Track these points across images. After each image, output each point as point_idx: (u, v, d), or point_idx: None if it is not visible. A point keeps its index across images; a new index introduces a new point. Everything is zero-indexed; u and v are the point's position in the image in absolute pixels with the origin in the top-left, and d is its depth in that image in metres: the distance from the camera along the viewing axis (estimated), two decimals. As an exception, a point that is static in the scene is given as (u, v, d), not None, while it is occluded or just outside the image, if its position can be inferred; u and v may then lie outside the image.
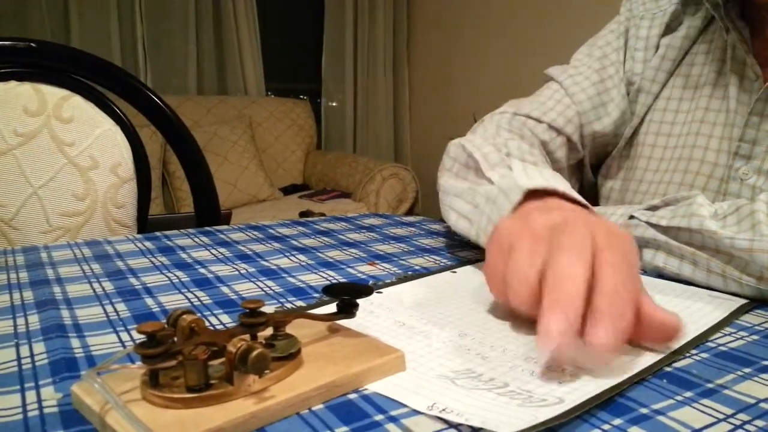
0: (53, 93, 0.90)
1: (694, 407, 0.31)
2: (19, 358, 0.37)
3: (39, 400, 0.32)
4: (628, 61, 0.73)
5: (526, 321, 0.42)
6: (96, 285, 0.51)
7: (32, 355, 0.37)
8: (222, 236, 0.69)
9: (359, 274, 0.55)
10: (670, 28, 0.71)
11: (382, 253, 0.62)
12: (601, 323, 0.33)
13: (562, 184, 0.49)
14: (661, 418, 0.30)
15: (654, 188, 0.67)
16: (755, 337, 0.41)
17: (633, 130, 0.72)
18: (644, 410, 0.31)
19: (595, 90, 0.72)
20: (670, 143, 0.68)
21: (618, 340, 0.33)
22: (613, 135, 0.73)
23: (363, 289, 0.39)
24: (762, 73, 0.61)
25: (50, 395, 0.32)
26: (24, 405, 0.31)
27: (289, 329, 0.34)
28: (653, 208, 0.56)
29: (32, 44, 0.90)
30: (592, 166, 0.77)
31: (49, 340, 0.39)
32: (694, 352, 0.38)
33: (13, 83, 0.88)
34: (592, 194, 0.78)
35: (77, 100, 0.91)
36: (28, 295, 0.48)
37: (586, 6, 2.54)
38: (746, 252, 0.46)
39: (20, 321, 0.43)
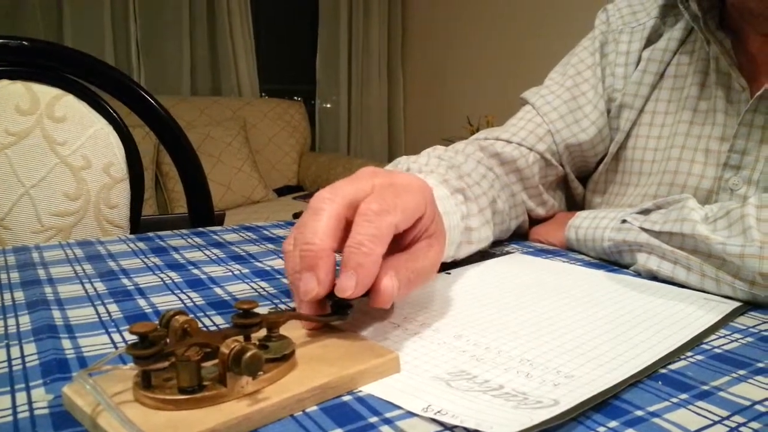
0: (45, 92, 0.89)
1: (689, 409, 0.31)
2: (9, 359, 0.36)
3: (29, 402, 0.31)
4: (608, 78, 0.72)
5: (520, 323, 0.42)
6: (88, 285, 0.51)
7: (23, 356, 0.37)
8: (215, 237, 0.69)
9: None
10: (650, 42, 0.71)
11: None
12: (341, 273, 0.35)
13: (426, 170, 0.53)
14: (656, 420, 0.30)
15: (640, 201, 0.67)
16: (750, 339, 0.41)
17: (618, 145, 0.71)
18: (639, 412, 0.31)
19: (567, 108, 0.71)
20: (657, 157, 0.68)
21: (358, 287, 0.35)
22: (591, 151, 0.72)
23: None
24: (747, 83, 0.61)
25: (41, 397, 0.32)
26: (14, 407, 0.31)
27: (283, 330, 0.34)
28: (645, 212, 0.57)
29: (24, 42, 0.89)
30: (579, 180, 0.76)
31: (40, 341, 0.39)
32: (689, 354, 0.38)
33: (5, 82, 0.88)
34: (583, 208, 0.77)
35: (70, 99, 0.91)
36: (19, 295, 0.48)
37: (579, 8, 2.55)
38: (737, 257, 0.46)
39: (11, 321, 0.42)
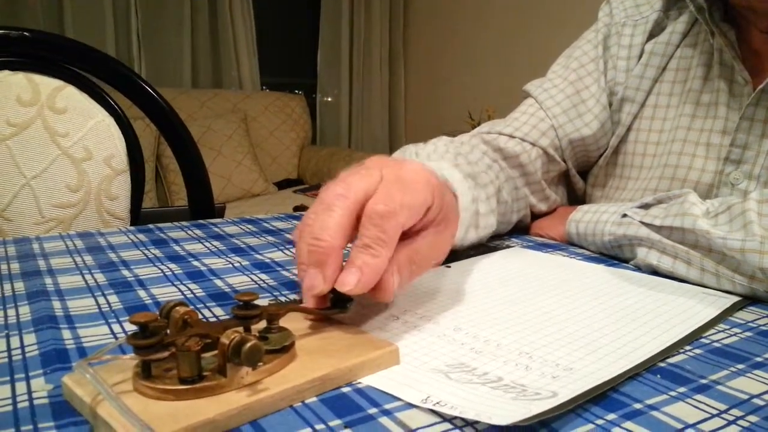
0: (47, 83, 0.89)
1: (687, 403, 0.31)
2: (9, 349, 0.36)
3: (29, 392, 0.31)
4: (609, 71, 0.72)
5: (520, 316, 0.42)
6: (88, 276, 0.51)
7: (23, 346, 0.37)
8: (216, 229, 0.69)
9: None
10: (653, 35, 0.70)
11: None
12: (345, 268, 0.36)
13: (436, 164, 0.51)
14: (654, 413, 0.30)
15: (641, 195, 0.67)
16: (749, 333, 0.41)
17: (619, 138, 0.71)
18: (638, 405, 0.31)
19: (570, 102, 0.71)
20: (658, 151, 0.68)
21: (360, 285, 0.35)
22: (594, 145, 0.72)
23: None
24: (750, 77, 0.61)
25: (41, 386, 0.32)
26: (14, 396, 0.31)
27: (283, 322, 0.34)
28: (646, 207, 0.56)
29: (26, 33, 0.89)
30: (580, 175, 0.76)
31: (40, 331, 0.39)
32: (688, 348, 0.38)
33: (6, 73, 0.88)
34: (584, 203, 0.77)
35: (71, 90, 0.91)
36: (20, 286, 0.48)
37: (580, 2, 2.54)
38: (738, 252, 0.46)
39: (11, 312, 0.42)
